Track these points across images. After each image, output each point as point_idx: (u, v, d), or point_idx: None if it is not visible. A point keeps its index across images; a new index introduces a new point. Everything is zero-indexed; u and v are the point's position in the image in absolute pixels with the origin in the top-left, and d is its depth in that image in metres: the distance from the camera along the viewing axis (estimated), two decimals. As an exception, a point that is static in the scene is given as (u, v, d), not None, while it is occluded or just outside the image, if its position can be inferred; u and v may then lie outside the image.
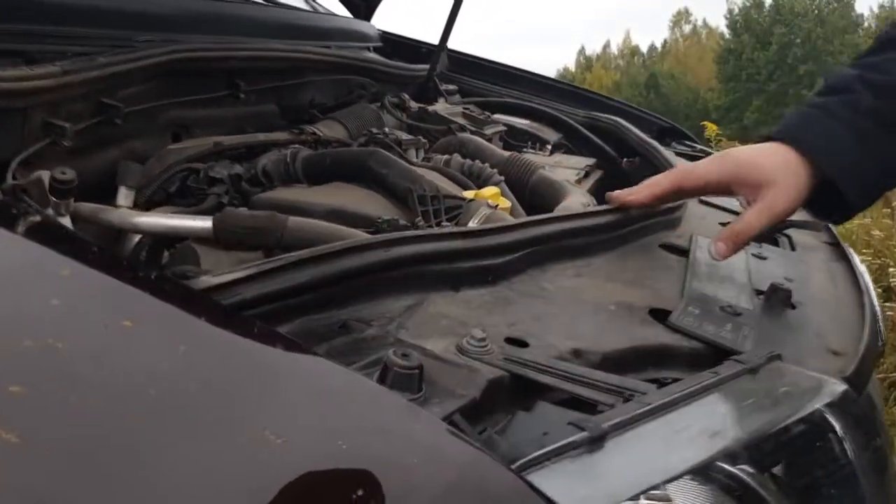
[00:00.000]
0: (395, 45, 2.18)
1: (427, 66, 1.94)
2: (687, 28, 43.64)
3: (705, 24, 42.54)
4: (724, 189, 0.81)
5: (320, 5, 2.17)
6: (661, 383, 0.53)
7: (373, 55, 1.93)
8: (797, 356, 0.63)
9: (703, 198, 1.26)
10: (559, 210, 1.14)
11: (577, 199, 1.24)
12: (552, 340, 0.57)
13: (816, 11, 28.49)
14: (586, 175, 1.64)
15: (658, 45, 46.43)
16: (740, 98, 30.70)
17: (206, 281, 0.47)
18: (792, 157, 0.74)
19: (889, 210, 3.83)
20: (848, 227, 4.08)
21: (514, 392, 0.50)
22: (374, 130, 1.40)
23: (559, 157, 1.71)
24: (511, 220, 0.84)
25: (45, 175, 0.77)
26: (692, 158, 1.81)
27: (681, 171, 0.91)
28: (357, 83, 1.71)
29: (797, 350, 0.66)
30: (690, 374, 0.56)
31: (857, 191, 0.75)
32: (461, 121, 1.71)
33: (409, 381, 0.46)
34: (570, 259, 0.77)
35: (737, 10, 31.17)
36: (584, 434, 0.41)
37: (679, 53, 42.78)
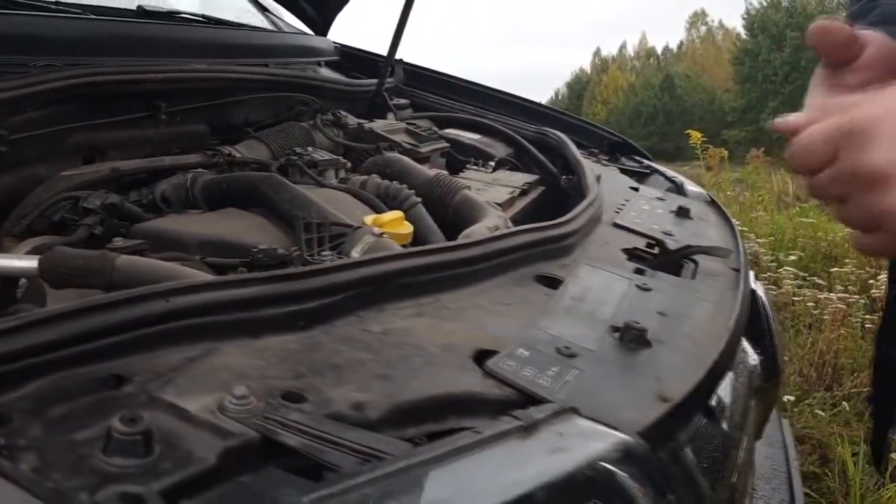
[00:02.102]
0: (353, 59, 2.18)
1: (376, 81, 1.93)
2: (703, 29, 43.30)
3: (721, 25, 42.15)
4: None
5: (285, 22, 2.17)
6: (415, 443, 0.51)
7: (323, 71, 1.92)
8: (614, 404, 0.62)
9: (618, 222, 1.24)
10: (461, 237, 1.13)
11: (488, 223, 1.22)
12: (336, 394, 0.56)
13: (826, 14, 28.08)
14: (524, 192, 1.62)
15: (674, 46, 46.12)
16: (756, 99, 30.39)
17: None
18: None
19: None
20: (835, 239, 4.03)
21: (266, 454, 0.49)
22: (298, 150, 1.39)
23: (500, 174, 1.70)
24: (390, 251, 0.82)
25: None
26: (640, 175, 1.79)
27: None
28: (298, 100, 1.70)
29: (619, 397, 0.64)
30: (490, 423, 0.54)
31: None
32: (402, 137, 1.70)
33: (132, 448, 0.45)
34: (413, 297, 0.75)
35: (754, 11, 30.88)
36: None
37: (695, 54, 42.43)
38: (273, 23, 2.16)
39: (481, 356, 0.66)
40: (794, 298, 3.17)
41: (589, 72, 53.48)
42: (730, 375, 0.82)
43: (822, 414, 2.35)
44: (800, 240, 4.21)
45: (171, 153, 1.37)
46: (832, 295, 3.09)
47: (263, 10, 2.14)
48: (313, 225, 1.01)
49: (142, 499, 0.41)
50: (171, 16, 1.51)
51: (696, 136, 5.25)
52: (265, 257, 0.92)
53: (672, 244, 1.15)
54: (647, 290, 0.93)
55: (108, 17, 1.38)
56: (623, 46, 52.10)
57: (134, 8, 1.50)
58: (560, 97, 55.52)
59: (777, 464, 1.09)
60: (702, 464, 0.66)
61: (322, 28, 2.13)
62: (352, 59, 2.18)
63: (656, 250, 1.12)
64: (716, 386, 0.73)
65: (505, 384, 0.62)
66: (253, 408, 0.51)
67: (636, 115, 40.09)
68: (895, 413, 0.95)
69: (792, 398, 2.39)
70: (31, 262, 0.74)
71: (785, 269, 3.43)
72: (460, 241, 0.87)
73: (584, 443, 0.53)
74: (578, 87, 51.93)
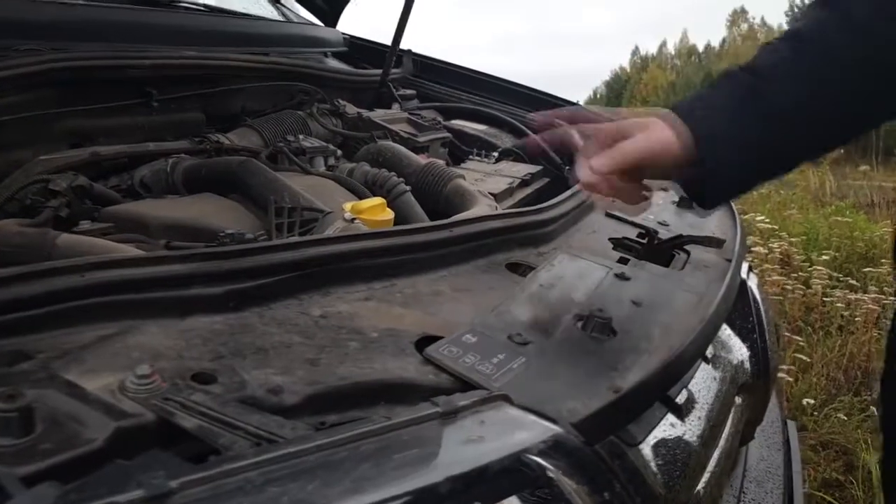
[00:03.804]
0: (363, 50, 2.16)
1: (380, 71, 1.91)
2: (745, 27, 42.46)
3: (763, 22, 41.29)
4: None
5: (294, 13, 2.16)
6: (320, 427, 0.48)
7: (330, 62, 1.90)
8: (558, 393, 0.57)
9: (609, 211, 1.19)
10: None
11: (477, 211, 1.19)
12: (252, 377, 0.53)
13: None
14: (526, 183, 1.58)
15: (716, 44, 45.33)
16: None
17: None
18: (671, 117, 0.74)
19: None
20: (872, 238, 3.88)
21: (161, 437, 0.46)
22: (289, 138, 1.37)
23: (502, 165, 1.66)
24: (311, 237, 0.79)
25: None
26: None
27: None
28: (300, 90, 1.68)
29: (566, 387, 0.59)
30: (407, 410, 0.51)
31: (717, 165, 0.73)
32: (403, 127, 1.67)
33: (7, 425, 0.42)
34: (367, 281, 0.72)
35: (797, 9, 30.12)
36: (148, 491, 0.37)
37: (738, 52, 41.56)
38: (283, 13, 2.15)
39: (424, 342, 0.63)
40: (825, 299, 3.05)
41: (629, 70, 52.85)
42: (704, 369, 0.77)
43: (846, 419, 2.25)
44: (834, 239, 4.07)
45: (165, 141, 1.37)
46: (865, 296, 2.96)
47: (275, 1, 2.13)
48: (285, 210, 0.99)
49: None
50: (171, 4, 1.50)
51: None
52: (231, 242, 0.90)
53: (665, 234, 1.10)
54: (626, 279, 0.88)
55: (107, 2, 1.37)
56: (663, 45, 51.38)
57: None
58: (598, 96, 54.99)
59: (773, 467, 1.03)
60: (658, 461, 0.62)
61: (331, 19, 2.11)
62: (362, 51, 2.15)
63: (646, 239, 1.07)
64: (678, 379, 0.68)
65: (442, 371, 0.59)
66: (155, 388, 0.49)
67: (676, 114, 39.41)
68: None
69: (812, 401, 2.29)
70: (-29, 240, 0.73)
71: (816, 269, 3.31)
72: (425, 224, 0.84)
73: (507, 432, 0.49)
74: (618, 86, 51.36)
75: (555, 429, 0.50)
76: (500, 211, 0.94)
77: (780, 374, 2.19)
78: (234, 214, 1.01)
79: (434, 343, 0.62)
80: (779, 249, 3.32)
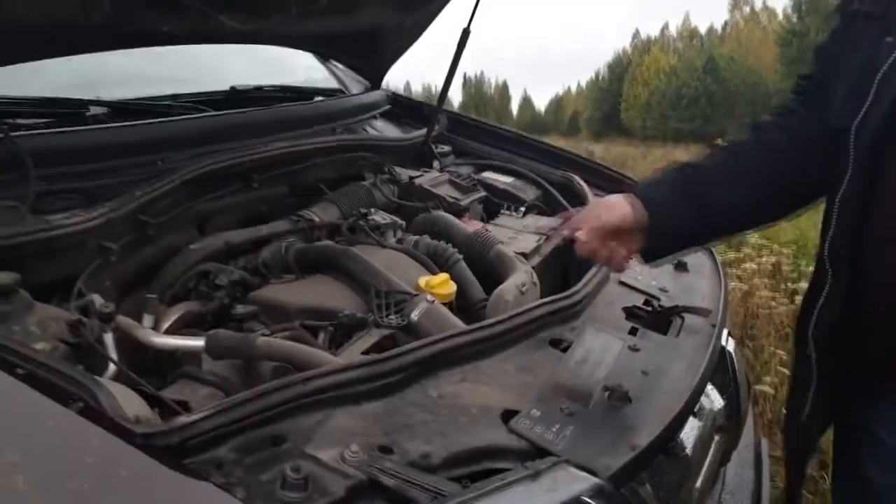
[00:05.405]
0: (402, 106, 2.49)
1: (423, 132, 2.23)
2: (747, 10, 42.28)
3: (765, 6, 41.13)
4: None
5: (343, 71, 2.48)
6: (465, 484, 0.82)
7: (373, 131, 2.22)
8: (596, 452, 0.91)
9: (622, 280, 1.52)
10: (494, 295, 1.44)
11: (517, 280, 1.52)
12: (411, 446, 0.87)
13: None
14: (549, 238, 1.92)
15: (717, 27, 45.15)
16: (804, 82, 29.78)
17: (180, 420, 0.79)
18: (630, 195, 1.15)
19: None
20: None
21: (372, 489, 0.80)
22: (363, 211, 1.71)
23: (528, 221, 1.99)
24: (443, 332, 1.12)
25: (96, 299, 1.10)
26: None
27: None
28: (360, 157, 2.02)
29: (600, 446, 0.93)
30: (515, 467, 0.85)
31: (659, 229, 1.13)
32: (446, 189, 2.00)
33: (298, 486, 0.76)
34: (459, 364, 1.06)
35: (799, -7, 30.18)
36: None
37: (740, 36, 41.49)
38: (333, 72, 2.48)
39: (507, 415, 0.97)
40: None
41: (630, 53, 52.58)
42: (692, 422, 1.11)
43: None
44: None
45: (260, 212, 1.71)
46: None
47: (326, 60, 2.46)
48: (382, 293, 1.33)
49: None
50: (257, 99, 1.83)
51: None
52: (348, 320, 1.24)
53: (665, 301, 1.44)
54: (636, 350, 1.22)
55: (208, 104, 1.70)
56: (665, 27, 51.11)
57: (227, 89, 1.83)
58: (601, 79, 54.90)
59: (745, 481, 1.38)
60: (658, 492, 0.96)
61: (377, 81, 2.43)
62: (400, 106, 2.48)
63: (650, 308, 1.41)
64: (677, 432, 1.02)
65: (522, 438, 0.93)
66: (361, 458, 0.83)
67: (678, 98, 39.49)
68: (806, 469, 1.22)
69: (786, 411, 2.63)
70: (199, 342, 1.06)
71: (805, 280, 3.63)
72: (492, 320, 1.17)
73: (571, 485, 0.83)
74: (619, 69, 51.31)
75: (599, 482, 0.84)
76: (542, 300, 1.26)
77: (763, 388, 2.54)
78: (343, 294, 1.35)
79: (514, 417, 0.96)
80: (768, 262, 3.65)
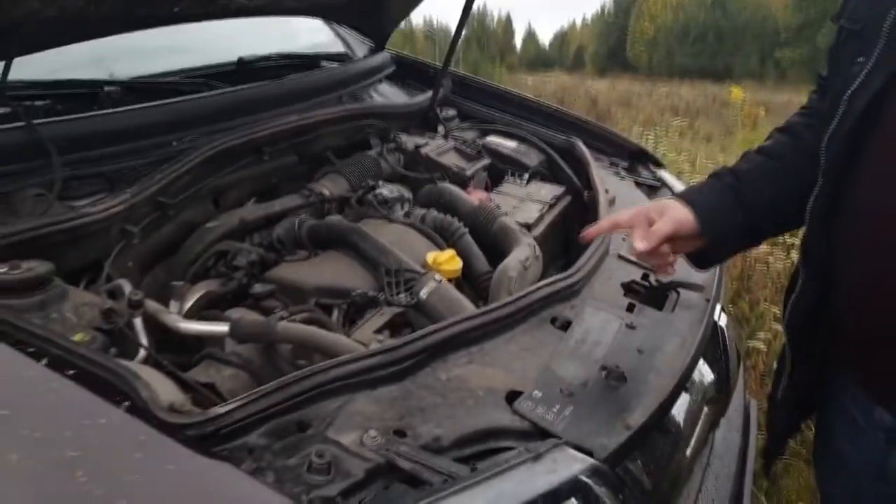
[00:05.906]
0: (406, 66, 2.50)
1: (428, 96, 2.26)
2: (759, -60, 40.91)
3: (779, -65, 39.73)
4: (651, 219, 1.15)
5: (350, 36, 2.48)
6: (473, 467, 0.90)
7: (377, 97, 2.25)
8: (593, 432, 1.00)
9: (621, 254, 1.59)
10: (498, 271, 1.50)
11: (520, 255, 1.58)
12: (424, 430, 0.95)
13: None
14: (552, 205, 1.97)
15: (728, -43, 43.75)
16: (815, 15, 29.12)
17: (214, 411, 0.87)
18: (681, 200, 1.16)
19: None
20: None
21: (389, 471, 0.89)
22: (371, 183, 1.76)
23: (532, 188, 2.04)
24: (451, 319, 1.18)
25: (124, 285, 1.17)
26: (650, 188, 2.11)
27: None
28: (366, 124, 2.05)
29: (597, 426, 1.01)
30: (519, 445, 0.93)
31: (711, 236, 1.14)
32: (451, 158, 2.05)
33: (323, 470, 0.85)
34: (466, 347, 1.14)
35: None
36: (406, 508, 0.80)
37: (750, -33, 40.25)
38: (338, 33, 2.48)
39: (511, 396, 1.05)
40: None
41: (637, -15, 51.13)
42: (683, 397, 1.19)
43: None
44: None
45: (270, 183, 1.76)
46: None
47: (330, 23, 2.46)
48: (392, 271, 1.39)
49: (333, 500, 0.81)
50: (265, 69, 1.86)
51: (737, 93, 5.39)
52: (360, 299, 1.32)
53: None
54: (633, 328, 1.29)
55: (217, 76, 1.73)
56: (674, -43, 49.54)
57: (234, 60, 1.85)
58: (607, 13, 53.51)
59: (732, 444, 1.47)
60: (649, 466, 1.05)
61: (380, 43, 2.44)
62: (405, 66, 2.49)
63: (647, 283, 1.47)
64: (668, 412, 1.11)
65: (525, 419, 1.01)
66: (379, 442, 0.91)
67: (684, 33, 38.63)
68: (785, 444, 1.30)
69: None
70: (223, 328, 1.13)
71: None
72: (497, 304, 1.23)
73: (569, 466, 0.91)
74: (626, 2, 49.95)
75: (595, 463, 0.92)
76: (544, 281, 1.33)
77: (756, 344, 2.63)
78: (355, 272, 1.41)
79: (517, 398, 1.04)
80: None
